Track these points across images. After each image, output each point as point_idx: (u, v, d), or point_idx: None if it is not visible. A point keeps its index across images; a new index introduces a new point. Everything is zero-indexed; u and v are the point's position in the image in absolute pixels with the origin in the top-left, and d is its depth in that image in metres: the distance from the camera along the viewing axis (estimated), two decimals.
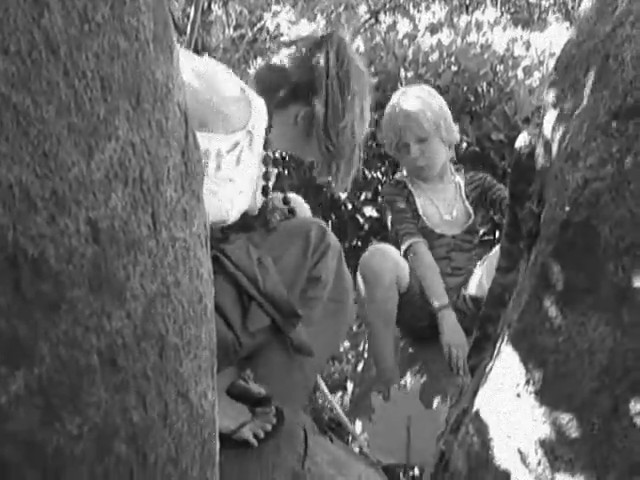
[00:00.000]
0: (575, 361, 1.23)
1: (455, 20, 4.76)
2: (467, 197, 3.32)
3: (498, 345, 1.44)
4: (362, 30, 4.44)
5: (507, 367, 1.37)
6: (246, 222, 1.97)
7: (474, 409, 1.44)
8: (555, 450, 1.23)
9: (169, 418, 1.05)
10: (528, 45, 4.38)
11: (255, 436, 1.89)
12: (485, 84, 4.03)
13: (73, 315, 0.89)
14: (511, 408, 1.33)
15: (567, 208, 1.25)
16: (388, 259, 3.10)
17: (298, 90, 1.98)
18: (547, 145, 1.37)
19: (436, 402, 2.83)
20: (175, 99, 1.06)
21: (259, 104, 1.84)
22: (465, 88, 4.14)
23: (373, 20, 4.28)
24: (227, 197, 1.74)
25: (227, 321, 1.74)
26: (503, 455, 1.33)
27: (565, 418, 1.23)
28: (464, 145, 4.01)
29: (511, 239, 1.53)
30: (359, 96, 2.02)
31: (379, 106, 3.91)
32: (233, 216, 1.80)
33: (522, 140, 1.53)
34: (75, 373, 0.90)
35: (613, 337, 1.19)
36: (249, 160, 1.80)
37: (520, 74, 4.24)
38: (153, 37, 1.00)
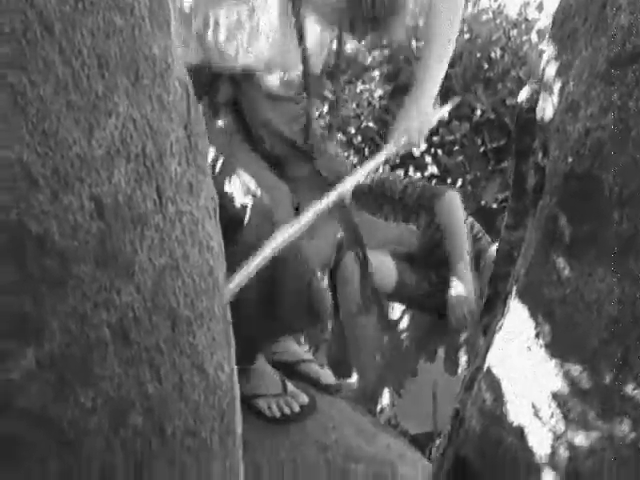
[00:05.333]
0: (583, 312, 1.22)
1: None
2: None
3: (508, 302, 1.43)
4: None
5: (517, 321, 1.37)
6: None
7: (486, 366, 1.44)
8: (567, 402, 1.23)
9: (185, 390, 1.06)
10: (541, 8, 4.31)
11: (281, 411, 1.96)
12: (498, 50, 3.99)
13: (81, 290, 0.89)
14: (522, 362, 1.33)
15: (570, 159, 1.24)
16: None
17: None
18: (548, 98, 1.35)
19: (460, 369, 2.84)
20: (174, 74, 1.07)
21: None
22: (478, 55, 4.10)
23: None
24: None
25: None
26: (516, 410, 1.33)
27: (576, 370, 1.23)
28: (479, 112, 3.98)
29: (517, 197, 1.51)
30: None
31: (393, 77, 3.90)
32: None
33: (524, 95, 1.52)
34: (86, 347, 0.91)
35: (621, 287, 1.18)
36: None
37: (534, 37, 4.19)
38: (148, 13, 1.00)
